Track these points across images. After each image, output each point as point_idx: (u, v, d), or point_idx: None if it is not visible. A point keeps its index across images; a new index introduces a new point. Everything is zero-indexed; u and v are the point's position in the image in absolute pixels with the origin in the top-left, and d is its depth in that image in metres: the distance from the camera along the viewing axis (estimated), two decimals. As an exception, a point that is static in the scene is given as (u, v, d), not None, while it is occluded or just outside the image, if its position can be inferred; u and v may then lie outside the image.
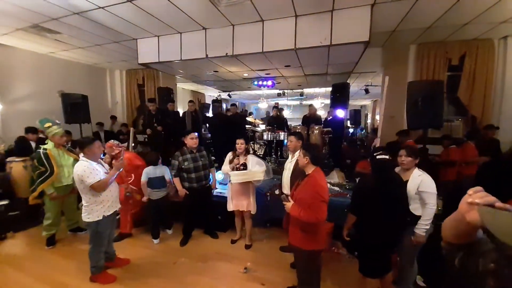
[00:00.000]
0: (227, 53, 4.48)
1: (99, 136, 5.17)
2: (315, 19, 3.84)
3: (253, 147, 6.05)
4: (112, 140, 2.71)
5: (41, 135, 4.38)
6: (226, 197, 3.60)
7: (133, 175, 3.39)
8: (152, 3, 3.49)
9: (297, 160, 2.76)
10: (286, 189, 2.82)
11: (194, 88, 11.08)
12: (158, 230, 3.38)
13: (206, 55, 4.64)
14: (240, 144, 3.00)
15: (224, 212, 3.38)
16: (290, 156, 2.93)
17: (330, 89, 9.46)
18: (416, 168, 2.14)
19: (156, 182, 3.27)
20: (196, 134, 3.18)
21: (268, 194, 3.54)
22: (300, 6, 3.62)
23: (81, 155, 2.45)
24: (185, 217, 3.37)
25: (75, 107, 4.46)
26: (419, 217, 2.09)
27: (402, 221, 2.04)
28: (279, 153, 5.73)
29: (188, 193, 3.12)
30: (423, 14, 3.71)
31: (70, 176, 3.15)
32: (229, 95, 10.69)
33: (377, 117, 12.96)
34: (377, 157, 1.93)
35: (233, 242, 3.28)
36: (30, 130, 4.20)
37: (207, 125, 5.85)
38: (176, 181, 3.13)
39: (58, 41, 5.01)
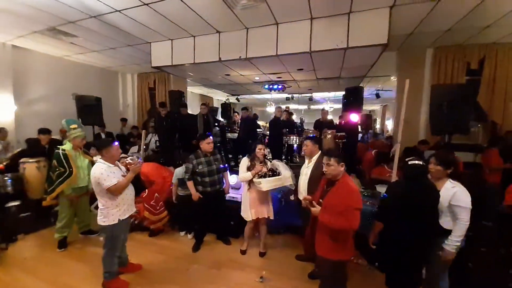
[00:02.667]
0: (240, 56, 4.45)
1: (101, 137, 5.17)
2: (331, 22, 3.78)
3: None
4: (130, 158, 2.60)
5: (54, 137, 4.41)
6: (238, 202, 3.54)
7: (146, 190, 3.42)
8: (169, 6, 3.49)
9: (314, 165, 2.69)
10: (302, 195, 2.70)
11: (202, 92, 11.13)
12: (184, 224, 3.49)
13: (220, 59, 4.62)
14: (262, 149, 2.92)
15: (236, 217, 3.30)
16: (306, 161, 2.83)
17: (339, 93, 9.44)
18: (449, 179, 2.00)
19: (182, 182, 3.36)
20: (211, 138, 3.13)
21: (282, 199, 3.44)
22: (316, 9, 3.57)
23: (97, 157, 2.41)
24: (198, 222, 3.30)
25: (89, 109, 4.48)
26: (447, 231, 1.96)
27: (432, 232, 1.91)
28: (289, 158, 5.63)
29: (201, 197, 3.05)
30: (443, 16, 3.61)
31: (85, 177, 3.15)
32: (237, 99, 10.68)
33: (387, 122, 12.78)
34: (409, 162, 1.82)
35: (243, 252, 3.13)
36: (43, 131, 4.22)
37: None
38: (190, 184, 3.07)
39: (73, 44, 5.08)
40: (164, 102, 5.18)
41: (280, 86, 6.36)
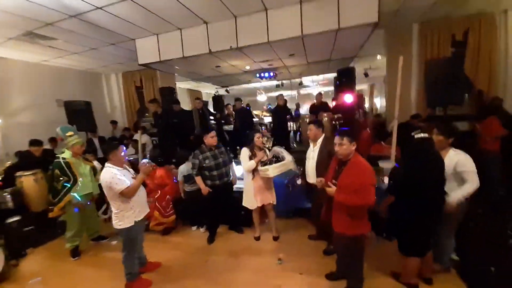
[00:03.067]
0: (231, 46, 4.37)
1: (93, 143, 4.99)
2: (321, 3, 3.75)
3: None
4: (146, 160, 2.57)
5: (47, 147, 4.25)
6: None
7: (159, 191, 3.45)
8: (153, -2, 3.35)
9: (320, 148, 2.76)
10: (311, 179, 2.79)
11: (190, 86, 10.89)
12: (195, 218, 3.58)
13: (210, 50, 4.52)
14: (260, 138, 2.96)
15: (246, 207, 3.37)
16: (311, 145, 2.89)
17: (328, 75, 9.48)
18: (452, 148, 2.10)
19: (188, 179, 3.43)
20: (214, 132, 3.13)
21: (289, 185, 3.52)
22: (305, -9, 3.52)
23: (95, 162, 2.36)
24: (210, 214, 3.34)
25: (79, 115, 4.32)
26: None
27: (443, 199, 2.03)
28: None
29: (211, 191, 3.07)
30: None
31: (90, 184, 3.09)
32: (227, 91, 10.54)
33: (375, 100, 13.03)
34: (416, 136, 1.90)
35: (257, 239, 3.23)
36: (34, 143, 4.05)
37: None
38: (199, 179, 3.09)
39: (52, 47, 4.81)
40: (155, 98, 5.06)
41: (271, 74, 6.33)
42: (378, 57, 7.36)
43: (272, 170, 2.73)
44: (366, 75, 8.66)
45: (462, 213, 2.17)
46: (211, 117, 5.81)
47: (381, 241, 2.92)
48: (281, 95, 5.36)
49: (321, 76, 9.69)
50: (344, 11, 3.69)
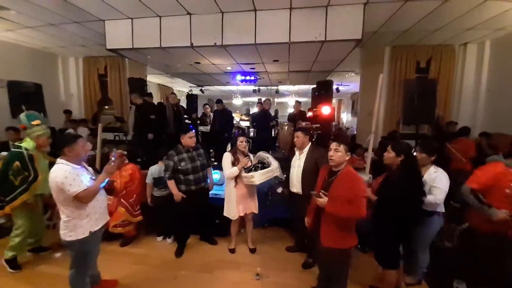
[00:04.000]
0: (215, 43, 4.13)
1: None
2: (310, 13, 3.78)
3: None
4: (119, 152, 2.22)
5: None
6: (222, 199, 3.34)
7: (125, 190, 3.00)
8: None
9: (307, 157, 2.68)
10: (296, 188, 2.69)
11: (162, 81, 10.20)
12: (162, 228, 3.18)
13: (191, 44, 4.21)
14: (244, 142, 2.76)
15: (221, 215, 3.13)
16: (297, 153, 2.79)
17: (304, 86, 9.77)
18: (433, 165, 2.20)
19: (159, 183, 2.99)
20: (194, 131, 2.83)
21: (269, 193, 3.38)
22: (296, -2, 3.51)
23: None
24: (180, 223, 2.98)
25: (26, 99, 3.60)
26: (431, 212, 2.17)
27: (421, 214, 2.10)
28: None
29: (185, 196, 2.75)
30: (405, 17, 3.95)
31: (46, 183, 2.54)
32: (201, 90, 10.12)
33: (342, 115, 13.88)
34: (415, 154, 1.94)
35: (232, 251, 2.99)
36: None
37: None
38: (171, 184, 2.74)
39: (2, 19, 3.97)
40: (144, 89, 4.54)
41: (253, 78, 6.22)
42: (351, 74, 7.85)
43: (258, 177, 2.55)
44: (337, 90, 9.12)
45: (437, 229, 2.26)
46: (186, 116, 5.42)
47: (361, 254, 2.93)
48: (268, 99, 5.26)
49: (296, 87, 9.94)
50: (331, 24, 3.77)
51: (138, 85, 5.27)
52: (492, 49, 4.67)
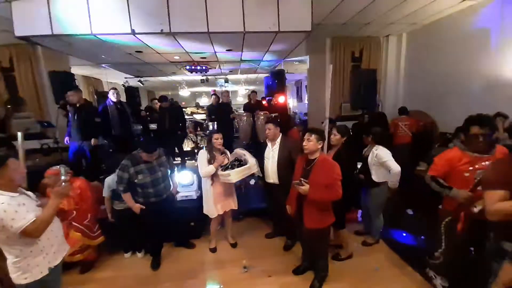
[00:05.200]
0: (162, 30, 3.71)
1: None
2: (262, 2, 3.76)
3: (194, 139, 5.52)
4: (58, 166, 1.76)
5: None
6: (193, 199, 3.23)
7: (75, 211, 2.48)
8: None
9: (280, 148, 2.78)
10: (272, 179, 2.78)
11: (88, 72, 8.61)
12: (130, 243, 2.85)
13: (132, 30, 3.66)
14: (220, 139, 2.66)
15: (196, 216, 3.01)
16: (270, 145, 2.85)
17: (252, 76, 9.84)
18: (375, 145, 2.69)
19: (119, 195, 2.54)
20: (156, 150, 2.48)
21: (242, 186, 3.40)
22: (247, -14, 3.43)
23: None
24: (149, 235, 2.72)
25: None
26: (377, 183, 2.66)
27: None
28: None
29: (144, 208, 2.46)
30: (343, 11, 4.35)
31: None
32: (140, 82, 9.03)
33: (289, 101, 14.68)
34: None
35: (213, 250, 2.93)
36: None
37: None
38: (127, 197, 2.44)
39: None
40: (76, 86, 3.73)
41: (204, 67, 5.88)
42: (296, 63, 8.30)
43: (235, 175, 2.50)
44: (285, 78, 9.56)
45: (385, 197, 2.73)
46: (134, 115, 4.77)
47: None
48: (227, 91, 5.08)
49: (244, 76, 9.93)
50: (283, 15, 3.84)
51: (64, 80, 4.33)
52: (408, 40, 5.64)
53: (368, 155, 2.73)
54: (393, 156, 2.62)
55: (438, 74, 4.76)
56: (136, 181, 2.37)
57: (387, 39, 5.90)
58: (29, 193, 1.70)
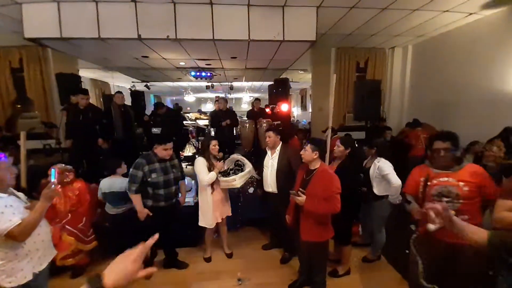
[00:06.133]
0: (168, 36, 3.76)
1: None
2: (268, 12, 3.80)
3: (195, 145, 5.51)
4: (61, 165, 1.74)
5: None
6: (191, 206, 3.16)
7: (69, 214, 2.46)
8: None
9: (279, 156, 2.73)
10: (271, 188, 2.72)
11: (96, 75, 8.79)
12: (124, 249, 2.59)
13: (139, 36, 3.73)
14: (216, 145, 2.63)
15: (193, 224, 2.95)
16: (269, 153, 2.81)
17: (257, 83, 9.91)
18: (376, 157, 2.60)
19: (112, 199, 2.52)
20: (171, 144, 2.45)
21: (240, 194, 3.33)
22: (253, -5, 3.47)
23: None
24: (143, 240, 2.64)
25: None
26: (379, 197, 2.56)
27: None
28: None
29: (150, 214, 2.38)
30: (349, 22, 4.36)
31: None
32: (147, 86, 9.16)
33: (293, 110, 14.72)
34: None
35: (208, 260, 2.85)
36: None
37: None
38: (136, 199, 2.35)
39: None
40: (85, 89, 3.84)
41: (208, 74, 5.93)
42: (300, 72, 8.33)
43: (239, 180, 2.50)
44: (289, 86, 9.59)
45: (388, 211, 2.64)
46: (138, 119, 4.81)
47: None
48: (223, 98, 5.07)
49: (250, 83, 10.01)
50: (288, 24, 3.88)
51: (70, 82, 4.40)
52: (413, 52, 5.61)
53: (370, 167, 2.65)
54: (408, 167, 2.54)
55: (444, 87, 4.69)
56: (149, 179, 2.33)
57: (392, 51, 5.89)
58: (20, 194, 1.68)
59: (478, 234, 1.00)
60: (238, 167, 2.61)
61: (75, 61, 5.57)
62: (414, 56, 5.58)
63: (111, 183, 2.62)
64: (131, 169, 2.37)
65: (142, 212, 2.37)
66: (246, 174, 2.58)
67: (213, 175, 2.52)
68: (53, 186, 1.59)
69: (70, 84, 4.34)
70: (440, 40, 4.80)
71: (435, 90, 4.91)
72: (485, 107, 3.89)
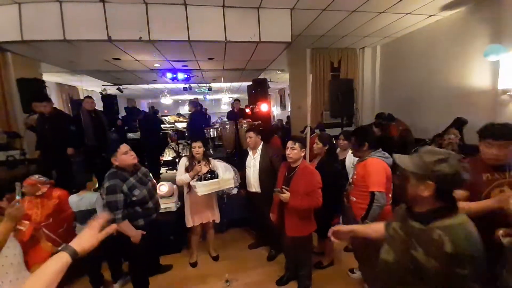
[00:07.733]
0: (141, 37, 3.64)
1: None
2: (243, 13, 3.83)
3: (175, 148, 5.39)
4: (37, 176, 1.58)
5: None
6: (173, 212, 3.11)
7: (51, 218, 2.26)
8: None
9: (261, 156, 2.77)
10: (254, 188, 2.75)
11: (61, 79, 8.21)
12: (97, 275, 2.47)
13: (109, 37, 3.56)
14: (198, 148, 2.59)
15: (175, 229, 2.90)
16: (251, 153, 2.84)
17: (235, 84, 9.89)
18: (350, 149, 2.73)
19: (82, 218, 2.30)
20: (126, 145, 2.13)
21: (224, 196, 3.32)
22: (228, -4, 3.48)
23: None
24: (139, 263, 2.24)
25: None
26: None
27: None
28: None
29: (145, 233, 2.09)
30: (322, 24, 4.54)
31: None
32: (119, 90, 8.73)
33: (272, 109, 14.90)
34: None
35: (193, 265, 2.80)
36: None
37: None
38: (125, 226, 1.98)
39: None
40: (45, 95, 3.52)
41: (186, 76, 5.81)
42: (278, 72, 8.48)
43: (201, 188, 2.37)
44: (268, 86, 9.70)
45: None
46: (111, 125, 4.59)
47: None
48: (196, 99, 4.99)
49: (229, 84, 9.97)
50: (264, 26, 3.94)
51: (33, 88, 4.08)
52: (382, 52, 5.98)
53: (344, 158, 2.78)
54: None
55: (409, 84, 5.07)
56: (134, 198, 2.00)
57: (363, 51, 6.22)
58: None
59: (378, 229, 1.20)
60: (210, 175, 2.51)
61: (38, 65, 5.17)
62: (383, 56, 5.95)
63: (79, 202, 2.35)
64: (105, 196, 1.94)
65: (137, 235, 2.04)
66: (212, 184, 2.42)
67: (185, 177, 2.47)
68: (17, 204, 1.48)
69: (33, 89, 4.02)
70: (404, 41, 5.17)
71: (402, 87, 5.28)
72: (444, 101, 4.27)
